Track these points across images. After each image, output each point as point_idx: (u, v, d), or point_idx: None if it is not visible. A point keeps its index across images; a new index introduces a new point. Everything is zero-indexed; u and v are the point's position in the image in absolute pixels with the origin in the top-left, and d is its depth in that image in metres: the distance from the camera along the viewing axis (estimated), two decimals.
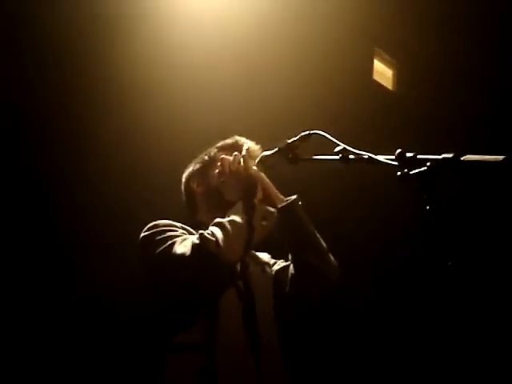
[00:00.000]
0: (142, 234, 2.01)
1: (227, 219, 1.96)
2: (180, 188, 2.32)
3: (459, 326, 1.36)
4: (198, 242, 1.86)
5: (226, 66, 3.85)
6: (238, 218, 1.96)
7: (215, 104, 3.84)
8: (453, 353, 3.80)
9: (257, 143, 2.26)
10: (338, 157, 1.75)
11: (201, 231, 1.90)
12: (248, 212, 2.00)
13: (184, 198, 2.29)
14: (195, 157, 2.35)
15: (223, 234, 1.89)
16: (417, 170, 1.44)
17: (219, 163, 2.16)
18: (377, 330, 4.55)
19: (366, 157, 1.67)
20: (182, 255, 1.86)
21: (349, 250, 4.31)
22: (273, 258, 2.28)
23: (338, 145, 1.75)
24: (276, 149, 2.02)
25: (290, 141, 1.98)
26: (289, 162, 1.99)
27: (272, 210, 2.11)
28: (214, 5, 3.74)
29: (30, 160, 3.56)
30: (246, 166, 2.10)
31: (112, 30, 3.53)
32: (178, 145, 3.66)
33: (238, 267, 2.03)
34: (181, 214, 2.28)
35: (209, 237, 1.87)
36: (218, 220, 1.96)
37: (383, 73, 4.77)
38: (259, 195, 2.09)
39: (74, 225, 3.60)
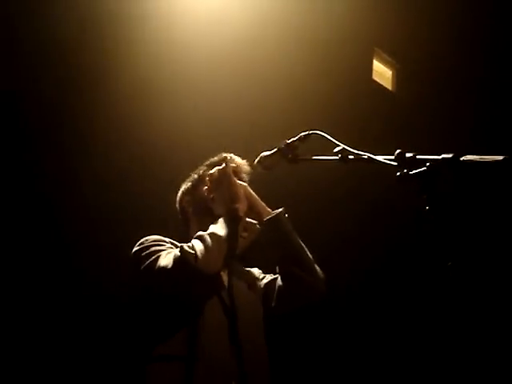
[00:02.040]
0: (133, 250, 2.08)
1: (207, 232, 2.00)
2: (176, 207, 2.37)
3: (459, 326, 1.36)
4: (178, 254, 1.92)
5: (226, 65, 3.86)
6: (217, 230, 2.01)
7: (215, 103, 3.84)
8: (452, 353, 3.80)
9: (256, 145, 2.27)
10: (337, 157, 1.75)
11: (182, 244, 1.96)
12: (229, 224, 2.03)
13: (179, 216, 2.35)
14: (196, 155, 2.37)
15: (203, 246, 1.94)
16: (416, 171, 1.44)
17: (207, 179, 2.22)
18: (376, 331, 4.54)
19: (366, 157, 1.66)
20: (164, 268, 1.92)
21: (348, 251, 4.32)
22: (263, 272, 2.30)
23: (338, 145, 1.75)
24: (275, 149, 2.02)
25: (289, 141, 1.98)
26: (288, 162, 1.99)
27: (253, 221, 2.14)
28: (215, 4, 3.74)
29: (35, 159, 3.56)
30: (229, 180, 2.14)
31: (115, 29, 3.54)
32: (181, 141, 3.68)
33: (226, 280, 2.07)
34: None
35: (188, 250, 1.92)
36: (199, 233, 2.01)
37: (383, 73, 4.78)
38: (244, 208, 2.12)
39: (80, 222, 3.60)
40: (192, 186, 2.31)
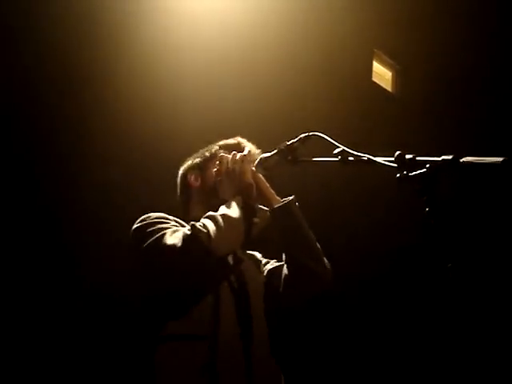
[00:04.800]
0: (134, 226, 2.01)
1: (219, 213, 1.96)
2: (176, 181, 2.31)
3: (459, 328, 1.36)
4: (189, 232, 1.86)
5: (225, 67, 3.85)
6: (230, 213, 1.96)
7: (214, 105, 3.83)
8: (453, 354, 3.80)
9: (257, 144, 2.27)
10: (337, 158, 1.75)
11: (192, 222, 1.90)
12: (241, 209, 1.99)
13: (179, 190, 2.29)
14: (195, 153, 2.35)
15: (215, 226, 1.89)
16: (416, 172, 1.45)
17: (218, 161, 2.16)
18: (376, 332, 4.55)
19: (365, 158, 1.67)
20: (173, 245, 1.85)
21: (348, 252, 4.32)
22: (264, 257, 2.27)
23: (338, 146, 1.75)
24: (275, 150, 2.02)
25: (289, 142, 1.98)
26: (288, 163, 1.99)
27: (264, 208, 2.11)
28: (214, 5, 3.74)
29: (32, 159, 3.56)
30: (243, 166, 2.09)
31: (111, 30, 3.53)
32: (180, 142, 3.67)
33: (231, 262, 2.03)
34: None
35: (201, 228, 1.87)
36: (210, 213, 1.96)
37: (382, 74, 4.78)
38: (254, 195, 2.08)
39: (78, 223, 3.60)
40: (202, 162, 2.24)
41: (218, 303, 1.90)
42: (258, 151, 2.22)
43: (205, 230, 1.86)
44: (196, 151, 2.36)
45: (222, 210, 1.98)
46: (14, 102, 3.46)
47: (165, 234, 1.90)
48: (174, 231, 1.92)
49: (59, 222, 3.59)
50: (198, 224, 1.89)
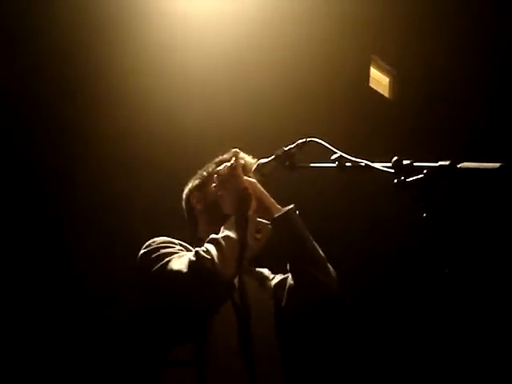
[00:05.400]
0: (140, 252, 2.03)
1: (221, 235, 1.97)
2: (181, 205, 2.33)
3: (456, 334, 1.36)
4: (194, 259, 1.88)
5: (223, 69, 3.85)
6: (231, 233, 1.97)
7: (211, 108, 3.83)
8: (450, 358, 3.80)
9: (253, 151, 2.27)
10: (334, 164, 1.75)
11: (196, 248, 1.92)
12: (241, 225, 1.99)
13: (185, 214, 2.30)
14: (191, 155, 2.35)
15: (218, 250, 1.90)
16: (413, 178, 1.45)
17: (215, 176, 2.17)
18: (375, 338, 4.54)
19: (363, 164, 1.67)
20: (178, 272, 1.87)
21: (345, 258, 4.31)
22: (273, 272, 2.27)
23: (335, 152, 1.75)
24: (272, 156, 2.02)
25: (286, 148, 1.98)
26: (285, 169, 1.99)
27: (266, 222, 2.10)
28: (212, 6, 3.74)
29: (30, 160, 3.56)
30: (237, 177, 2.10)
31: (107, 30, 3.53)
32: (180, 145, 3.68)
33: (236, 282, 2.01)
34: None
35: (204, 254, 1.88)
36: (212, 236, 1.97)
37: (380, 80, 4.78)
38: (253, 206, 2.08)
39: (76, 222, 3.60)
40: (201, 183, 2.26)
41: (208, 328, 1.89)
42: (253, 161, 2.22)
43: (208, 256, 1.87)
44: (195, 153, 2.36)
45: (224, 231, 1.99)
46: (11, 102, 3.46)
47: (171, 260, 1.92)
48: (180, 257, 1.93)
49: (56, 223, 3.59)
50: (201, 250, 1.90)
